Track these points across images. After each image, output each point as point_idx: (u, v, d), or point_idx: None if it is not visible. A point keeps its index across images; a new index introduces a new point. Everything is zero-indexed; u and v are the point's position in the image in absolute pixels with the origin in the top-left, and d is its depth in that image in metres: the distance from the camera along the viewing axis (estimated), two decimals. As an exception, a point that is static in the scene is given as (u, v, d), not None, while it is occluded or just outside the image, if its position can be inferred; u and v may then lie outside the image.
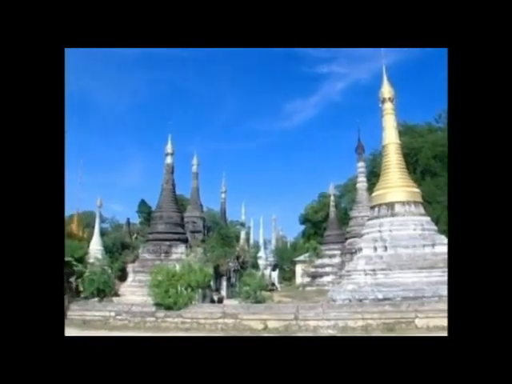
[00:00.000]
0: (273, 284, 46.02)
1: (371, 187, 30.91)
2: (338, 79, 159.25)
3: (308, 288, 38.53)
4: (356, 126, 63.74)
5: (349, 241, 35.97)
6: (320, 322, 14.13)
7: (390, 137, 21.83)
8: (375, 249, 19.96)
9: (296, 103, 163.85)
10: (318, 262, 41.59)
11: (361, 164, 38.61)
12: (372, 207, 22.24)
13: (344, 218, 46.16)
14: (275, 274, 52.21)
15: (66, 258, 18.07)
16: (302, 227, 70.50)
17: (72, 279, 17.97)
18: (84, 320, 16.34)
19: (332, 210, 44.37)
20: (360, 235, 23.78)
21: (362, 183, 38.26)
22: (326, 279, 37.88)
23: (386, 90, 22.07)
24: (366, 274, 19.32)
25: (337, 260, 38.60)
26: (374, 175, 40.42)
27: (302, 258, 50.21)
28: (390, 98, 21.99)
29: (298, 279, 48.53)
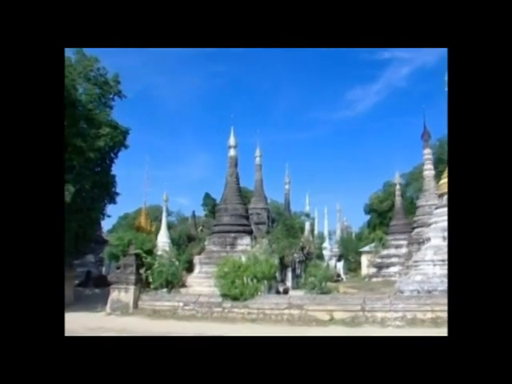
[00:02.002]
0: (338, 275, 45.65)
1: (438, 175, 29.95)
2: (401, 64, 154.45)
3: (374, 279, 38.00)
4: (422, 112, 61.61)
5: (416, 230, 35.05)
6: (388, 314, 13.90)
7: (458, 122, 20.93)
8: (444, 238, 19.35)
9: (357, 91, 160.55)
10: (384, 252, 40.85)
11: (427, 151, 37.21)
12: (440, 195, 21.56)
13: (410, 208, 45.04)
14: (340, 265, 51.74)
15: (136, 251, 18.72)
16: (367, 217, 69.44)
17: (142, 271, 18.54)
18: (154, 310, 16.89)
19: (398, 199, 43.33)
20: (427, 224, 23.13)
21: (428, 171, 36.98)
22: (392, 270, 37.17)
23: (453, 74, 21.16)
24: (434, 265, 18.80)
25: (403, 250, 37.74)
26: (441, 162, 39.07)
27: (367, 248, 49.55)
28: (457, 82, 21.09)
29: (364, 270, 47.94)
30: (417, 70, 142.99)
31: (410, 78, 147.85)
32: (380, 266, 39.76)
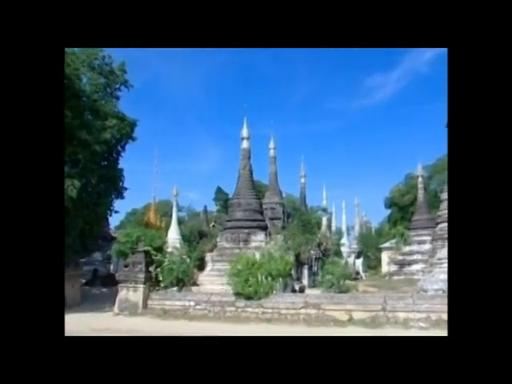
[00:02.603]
0: (357, 273, 45.50)
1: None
2: (423, 48, 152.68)
3: (395, 277, 37.75)
4: (446, 99, 60.70)
5: (440, 226, 34.55)
6: (410, 314, 13.75)
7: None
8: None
9: (376, 78, 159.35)
10: (406, 249, 40.55)
11: (452, 141, 36.78)
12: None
13: (434, 201, 44.52)
14: (359, 262, 51.54)
15: (145, 248, 18.71)
16: (388, 212, 69.03)
17: (151, 268, 18.54)
18: (164, 309, 16.91)
19: (420, 192, 42.95)
20: (453, 219, 22.79)
21: (453, 162, 36.52)
22: (415, 267, 36.90)
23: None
24: (460, 262, 18.55)
25: (427, 247, 37.37)
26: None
27: (388, 244, 49.26)
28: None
29: (385, 267, 47.63)
30: (440, 55, 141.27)
31: (433, 63, 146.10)
32: (402, 264, 39.49)
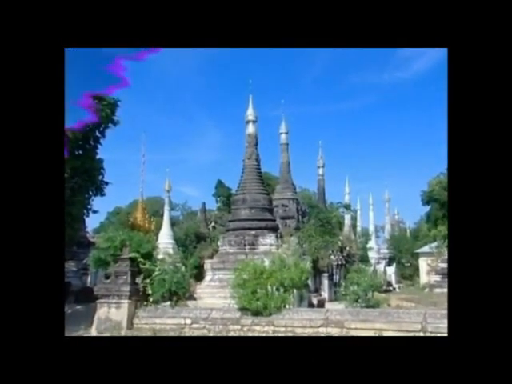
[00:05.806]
0: (389, 283, 45.53)
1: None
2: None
3: (437, 290, 37.65)
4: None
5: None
6: (456, 335, 13.63)
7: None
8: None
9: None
10: (450, 254, 40.42)
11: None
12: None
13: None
14: (391, 271, 51.66)
15: (131, 255, 18.65)
16: (426, 209, 68.70)
17: (138, 280, 18.46)
18: (154, 329, 16.86)
19: (466, 184, 42.78)
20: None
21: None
22: (460, 277, 36.77)
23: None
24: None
25: (475, 251, 37.25)
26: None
27: (427, 249, 49.22)
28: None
29: (423, 277, 47.75)
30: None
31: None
32: (445, 273, 39.33)
